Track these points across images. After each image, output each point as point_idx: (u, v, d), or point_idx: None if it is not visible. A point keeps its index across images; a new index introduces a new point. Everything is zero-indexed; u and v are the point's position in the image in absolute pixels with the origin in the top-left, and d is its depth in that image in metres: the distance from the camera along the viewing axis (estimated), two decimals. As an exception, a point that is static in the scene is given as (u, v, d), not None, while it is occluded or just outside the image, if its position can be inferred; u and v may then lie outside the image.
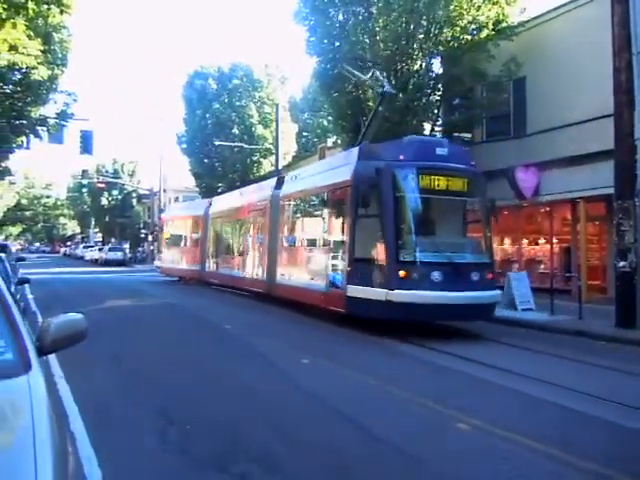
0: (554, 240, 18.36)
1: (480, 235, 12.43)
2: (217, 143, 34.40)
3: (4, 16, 9.05)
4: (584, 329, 11.32)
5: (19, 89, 19.32)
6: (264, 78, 38.10)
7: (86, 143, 25.58)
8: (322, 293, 12.95)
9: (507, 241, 20.44)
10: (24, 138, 21.15)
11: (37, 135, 21.10)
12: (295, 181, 16.48)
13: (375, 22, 18.91)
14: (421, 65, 18.80)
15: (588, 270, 16.07)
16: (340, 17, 20.08)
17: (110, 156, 64.93)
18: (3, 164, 24.00)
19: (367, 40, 18.96)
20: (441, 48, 18.33)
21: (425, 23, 18.04)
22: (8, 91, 19.19)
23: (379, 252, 11.26)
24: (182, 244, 27.75)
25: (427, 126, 19.75)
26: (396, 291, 10.57)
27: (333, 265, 12.72)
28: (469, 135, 19.86)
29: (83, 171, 50.39)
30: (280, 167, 29.18)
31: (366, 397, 6.53)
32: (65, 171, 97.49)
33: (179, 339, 10.56)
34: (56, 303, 14.42)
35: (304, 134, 48.27)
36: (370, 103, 19.67)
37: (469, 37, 18.30)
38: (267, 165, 35.83)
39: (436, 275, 10.61)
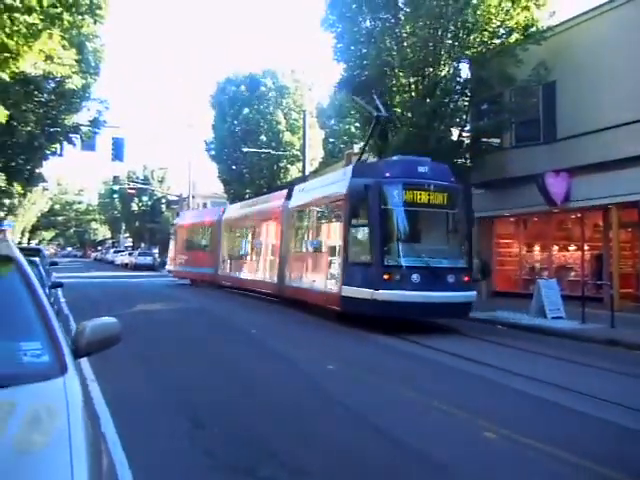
0: (585, 247, 18.06)
1: (459, 242, 13.72)
2: (245, 150, 34.68)
3: (40, 27, 9.30)
4: (616, 338, 11.10)
5: (53, 98, 19.82)
6: (291, 85, 38.31)
7: (117, 150, 26.10)
8: (322, 293, 14.52)
9: (537, 248, 20.17)
10: (58, 145, 21.66)
11: (70, 142, 21.59)
12: (302, 193, 18.07)
13: (402, 28, 18.90)
14: (449, 70, 18.71)
15: (620, 278, 15.73)
16: (367, 23, 20.11)
17: (140, 163, 66.20)
18: (37, 171, 24.57)
19: (394, 46, 18.95)
20: (469, 53, 18.22)
21: (453, 28, 17.98)
22: (43, 100, 19.69)
23: (368, 257, 12.81)
24: (195, 249, 28.94)
25: (455, 131, 19.63)
26: (380, 291, 12.13)
27: (331, 268, 14.36)
28: (497, 140, 19.67)
29: (114, 177, 51.30)
30: (307, 173, 29.30)
31: (391, 404, 6.53)
32: (96, 177, 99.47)
33: (208, 343, 10.69)
34: (88, 307, 14.69)
35: (331, 140, 48.36)
36: (397, 109, 19.64)
37: (497, 41, 18.17)
38: (294, 171, 35.97)
39: (415, 277, 12.14)
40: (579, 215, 18.17)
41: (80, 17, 11.68)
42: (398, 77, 19.32)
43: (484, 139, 19.57)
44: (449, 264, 12.82)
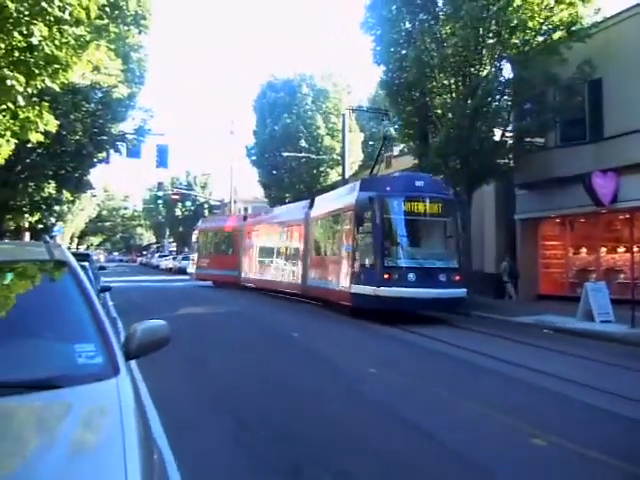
0: (635, 248, 17.48)
1: (452, 246, 15.68)
2: (285, 155, 34.87)
3: (88, 38, 9.62)
4: (669, 342, 10.72)
5: (100, 107, 20.45)
6: (330, 88, 38.31)
7: (162, 157, 26.70)
8: (337, 291, 16.68)
9: (584, 250, 19.64)
10: (104, 153, 22.32)
11: (117, 150, 22.23)
12: (322, 203, 20.14)
13: (442, 28, 18.73)
14: (490, 70, 18.45)
15: (673, 280, 15.16)
16: (407, 25, 20.03)
17: (183, 169, 67.44)
18: (85, 178, 25.35)
19: (434, 47, 18.80)
20: (511, 52, 17.92)
21: (495, 27, 17.72)
22: (90, 109, 20.31)
23: (371, 259, 14.96)
24: (219, 253, 31.05)
25: (497, 132, 19.32)
26: (381, 288, 14.21)
27: (343, 270, 16.40)
28: (542, 140, 19.25)
29: (158, 184, 52.47)
30: (347, 177, 29.27)
31: (442, 410, 6.47)
32: (141, 183, 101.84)
33: (252, 344, 10.79)
34: (134, 310, 15.03)
35: (370, 143, 48.22)
36: (438, 111, 19.46)
37: (540, 40, 17.81)
38: (334, 175, 35.93)
39: (411, 276, 14.27)
40: (628, 216, 17.60)
41: (125, 28, 12.01)
42: (438, 78, 19.16)
43: (527, 139, 19.18)
44: (441, 265, 14.83)
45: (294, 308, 18.87)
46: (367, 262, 15.11)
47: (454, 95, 18.91)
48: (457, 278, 14.81)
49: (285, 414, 6.04)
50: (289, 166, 36.70)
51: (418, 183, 15.45)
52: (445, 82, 19.17)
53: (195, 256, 33.92)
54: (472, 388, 7.52)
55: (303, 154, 34.95)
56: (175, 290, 27.58)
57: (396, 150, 33.97)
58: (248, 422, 5.72)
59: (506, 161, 19.70)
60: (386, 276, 14.32)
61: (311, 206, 20.91)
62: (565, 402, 6.83)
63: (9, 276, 3.41)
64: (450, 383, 7.75)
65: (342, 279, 16.37)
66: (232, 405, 6.43)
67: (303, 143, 36.24)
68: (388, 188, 15.34)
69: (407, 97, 20.32)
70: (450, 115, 18.77)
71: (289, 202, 31.91)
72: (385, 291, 14.10)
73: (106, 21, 10.76)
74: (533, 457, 4.91)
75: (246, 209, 57.21)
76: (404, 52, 19.69)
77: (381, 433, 5.48)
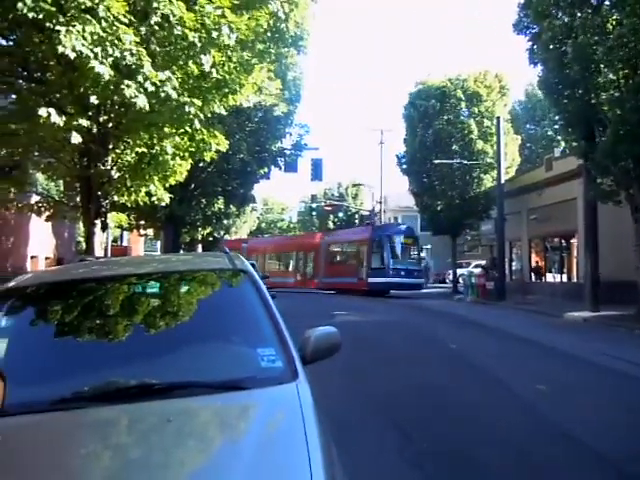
0: None
1: (419, 259, 33.82)
2: (436, 162, 34.25)
3: (253, 62, 10.29)
4: None
5: (261, 126, 21.81)
6: (483, 91, 36.99)
7: (316, 170, 27.78)
8: (356, 283, 31.90)
9: None
10: (265, 169, 23.76)
11: (277, 166, 23.55)
12: (332, 236, 39.29)
13: (606, 19, 17.27)
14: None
15: None
16: (565, 20, 18.80)
17: (335, 179, 69.26)
18: (249, 193, 27.14)
19: (597, 39, 17.38)
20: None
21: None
22: (252, 128, 21.75)
23: (380, 265, 30.69)
24: None
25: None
26: (386, 278, 30.17)
27: (362, 270, 31.98)
28: None
29: (312, 196, 54.54)
30: (502, 181, 28.12)
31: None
32: (297, 196, 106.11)
33: (405, 354, 10.76)
34: (291, 316, 15.65)
35: (527, 145, 45.78)
36: (605, 108, 17.97)
37: None
38: (488, 181, 34.61)
39: (401, 272, 30.44)
40: None
41: (285, 49, 12.66)
42: (604, 73, 17.69)
43: None
44: (413, 267, 31.51)
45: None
46: (377, 266, 30.49)
47: (623, 90, 17.33)
48: (420, 274, 32.25)
49: (445, 425, 5.93)
50: (440, 173, 35.97)
51: (402, 227, 33.91)
52: (612, 76, 17.64)
53: None
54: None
55: (455, 160, 34.06)
56: (331, 298, 28.38)
57: (557, 152, 31.96)
58: (409, 433, 5.67)
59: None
60: (391, 272, 29.87)
61: (324, 236, 39.32)
62: None
63: (197, 284, 3.73)
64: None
65: (361, 275, 31.64)
66: (389, 412, 6.43)
67: (455, 148, 35.34)
68: (388, 232, 32.22)
69: (569, 95, 19.03)
70: (619, 112, 17.23)
71: (440, 210, 33.45)
72: (388, 280, 29.78)
73: (267, 44, 11.44)
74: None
75: (396, 218, 57.14)
76: (563, 49, 18.50)
77: (544, 445, 5.18)
